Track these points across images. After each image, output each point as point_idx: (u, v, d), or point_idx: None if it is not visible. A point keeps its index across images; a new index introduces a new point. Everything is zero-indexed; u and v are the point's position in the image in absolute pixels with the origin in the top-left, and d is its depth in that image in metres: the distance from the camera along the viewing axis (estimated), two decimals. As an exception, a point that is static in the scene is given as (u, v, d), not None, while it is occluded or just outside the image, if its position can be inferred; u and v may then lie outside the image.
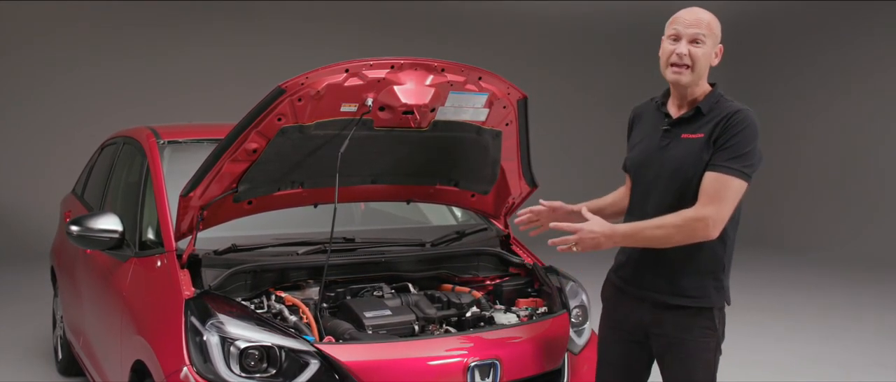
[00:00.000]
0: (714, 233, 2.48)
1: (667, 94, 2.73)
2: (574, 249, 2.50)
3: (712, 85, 2.67)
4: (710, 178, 2.48)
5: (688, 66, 2.56)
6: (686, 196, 2.54)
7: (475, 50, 11.41)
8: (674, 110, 2.67)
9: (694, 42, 2.57)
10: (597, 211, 2.75)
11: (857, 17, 10.79)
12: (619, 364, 2.80)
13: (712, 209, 2.45)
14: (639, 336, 2.71)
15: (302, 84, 2.80)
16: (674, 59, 2.56)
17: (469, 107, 3.10)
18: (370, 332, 2.91)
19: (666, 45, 2.61)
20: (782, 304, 7.44)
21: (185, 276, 3.00)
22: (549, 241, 2.55)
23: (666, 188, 2.59)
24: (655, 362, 2.75)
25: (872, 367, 5.45)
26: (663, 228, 2.48)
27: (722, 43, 2.67)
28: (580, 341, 3.26)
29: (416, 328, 2.99)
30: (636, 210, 2.68)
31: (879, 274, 8.79)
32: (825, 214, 10.91)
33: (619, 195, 2.96)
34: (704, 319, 2.61)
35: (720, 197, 2.46)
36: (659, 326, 2.64)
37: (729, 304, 2.66)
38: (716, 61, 2.63)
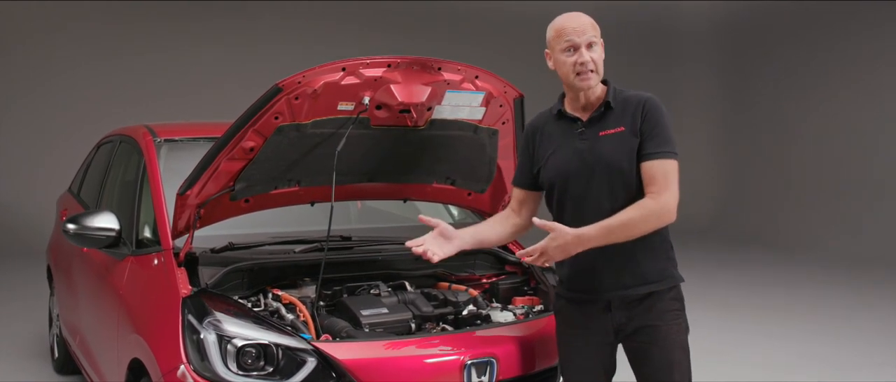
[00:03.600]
0: (675, 216, 2.57)
1: (561, 102, 2.73)
2: (546, 264, 2.57)
3: (605, 81, 2.69)
4: (654, 166, 2.55)
5: (592, 71, 2.60)
6: (625, 188, 2.58)
7: (472, 49, 11.42)
8: (579, 113, 2.68)
9: (589, 46, 2.60)
10: (481, 242, 2.85)
11: (852, 16, 10.81)
12: (590, 370, 2.75)
13: (668, 194, 2.54)
14: (608, 338, 2.69)
15: (299, 82, 2.81)
16: (579, 68, 2.58)
17: (466, 106, 3.11)
18: (367, 330, 2.91)
19: (564, 58, 2.61)
20: (777, 303, 7.45)
21: (181, 274, 3.00)
22: (517, 253, 2.60)
23: (604, 186, 2.60)
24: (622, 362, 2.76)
25: (869, 366, 5.46)
26: (630, 224, 2.52)
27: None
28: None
29: (413, 326, 3.00)
30: (568, 217, 2.64)
31: (875, 272, 8.80)
32: (820, 213, 10.93)
33: (501, 222, 2.89)
34: (672, 299, 2.66)
35: (668, 181, 2.55)
36: (632, 320, 2.65)
37: (683, 281, 2.72)
38: (604, 56, 2.66)
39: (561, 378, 2.89)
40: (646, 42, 12.88)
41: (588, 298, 2.69)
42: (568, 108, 2.71)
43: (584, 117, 2.66)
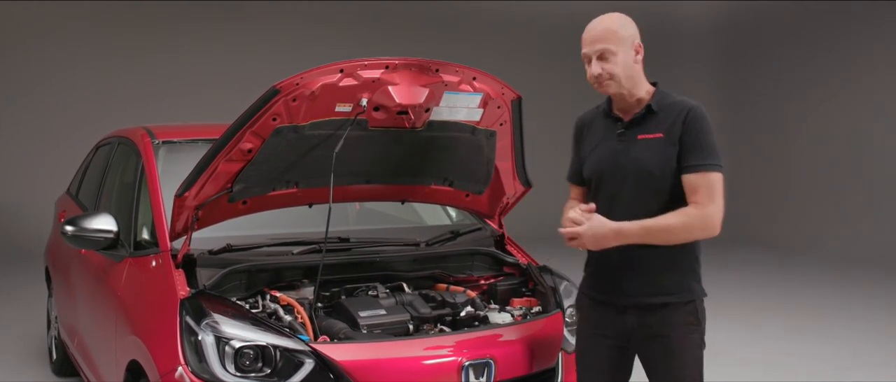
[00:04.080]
0: (718, 229, 2.53)
1: (610, 101, 2.73)
2: (573, 244, 2.54)
3: (654, 84, 2.67)
4: (696, 179, 2.52)
5: (609, 79, 2.58)
6: (655, 194, 2.57)
7: (470, 50, 11.41)
8: (622, 114, 2.68)
9: (602, 58, 2.57)
10: None
11: (852, 16, 10.82)
12: (601, 370, 2.76)
13: (713, 207, 2.50)
14: (622, 341, 2.70)
15: (297, 84, 2.81)
16: (593, 80, 2.60)
17: (463, 108, 3.11)
18: (365, 332, 2.91)
19: (587, 69, 2.62)
20: (775, 303, 7.45)
21: (180, 276, 3.00)
22: (560, 230, 2.58)
23: (634, 189, 2.60)
24: (639, 365, 2.75)
25: (866, 366, 5.47)
26: (670, 229, 2.51)
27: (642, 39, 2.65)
28: (574, 340, 3.27)
29: (411, 327, 3.00)
30: (602, 215, 2.61)
31: (872, 273, 8.81)
32: (818, 213, 10.94)
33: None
34: (688, 313, 2.62)
35: (712, 194, 2.51)
36: (645, 328, 2.64)
37: (706, 296, 2.69)
38: (637, 59, 2.61)
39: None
40: (645, 42, 12.83)
41: (605, 299, 2.70)
42: (614, 108, 2.70)
43: (626, 118, 2.65)
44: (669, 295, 2.61)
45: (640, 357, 2.72)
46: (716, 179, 2.52)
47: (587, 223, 2.53)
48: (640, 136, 2.61)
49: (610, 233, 2.51)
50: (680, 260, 2.61)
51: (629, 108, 2.65)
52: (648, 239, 2.52)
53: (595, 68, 2.57)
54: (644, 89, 2.64)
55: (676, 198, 2.56)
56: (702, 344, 2.67)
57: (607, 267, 2.67)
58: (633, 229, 2.51)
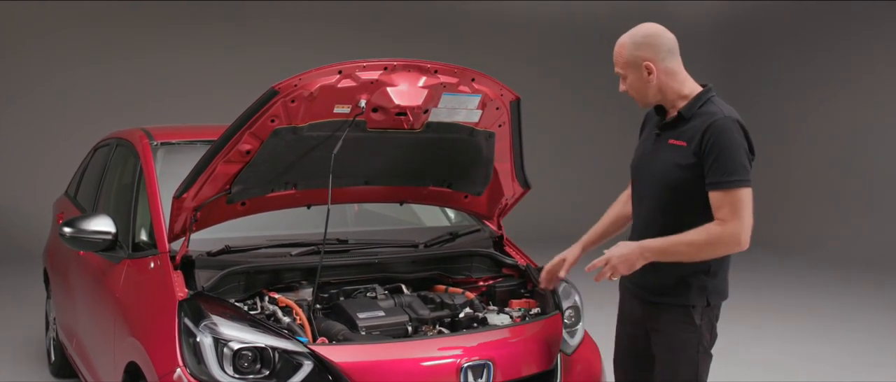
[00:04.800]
0: (746, 244, 2.57)
1: None
2: (611, 277, 2.62)
3: (704, 85, 2.72)
4: (719, 198, 2.55)
5: (632, 96, 2.73)
6: (673, 200, 2.65)
7: (469, 52, 11.42)
8: (666, 115, 2.77)
9: (622, 78, 2.73)
10: (596, 240, 3.01)
11: (851, 16, 10.82)
12: (626, 357, 2.94)
13: (735, 223, 2.53)
14: (640, 331, 2.84)
15: (295, 85, 2.81)
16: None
17: (462, 109, 3.11)
18: (363, 333, 2.91)
19: None
20: (777, 304, 7.46)
21: (178, 278, 3.00)
22: (587, 268, 2.67)
23: (654, 192, 2.71)
24: None
25: (868, 367, 5.47)
26: (693, 246, 2.56)
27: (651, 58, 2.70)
28: (573, 342, 3.27)
29: (410, 329, 3.00)
30: (634, 211, 2.79)
31: (874, 273, 8.81)
32: (818, 214, 10.94)
33: (618, 209, 3.05)
34: (685, 316, 2.68)
35: (735, 210, 2.53)
36: (649, 321, 2.78)
37: (710, 304, 2.70)
38: (651, 78, 2.67)
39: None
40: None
41: (626, 285, 2.89)
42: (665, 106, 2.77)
43: (667, 119, 2.73)
44: (666, 295, 2.71)
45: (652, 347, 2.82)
46: (740, 195, 2.54)
47: (610, 251, 2.61)
48: (670, 141, 2.68)
49: (636, 251, 2.59)
50: (687, 265, 2.65)
51: (671, 110, 2.73)
52: (673, 257, 2.59)
53: (621, 87, 2.74)
54: (686, 92, 2.69)
55: (697, 210, 2.59)
56: (701, 348, 2.70)
57: None
58: (657, 245, 2.59)
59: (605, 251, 2.64)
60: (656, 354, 2.76)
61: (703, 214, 2.57)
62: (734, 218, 2.52)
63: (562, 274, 3.01)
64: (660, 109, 2.77)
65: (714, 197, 2.55)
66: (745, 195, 2.55)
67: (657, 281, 2.70)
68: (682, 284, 2.67)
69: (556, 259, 3.02)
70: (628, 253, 2.59)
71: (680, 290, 2.67)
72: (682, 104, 2.68)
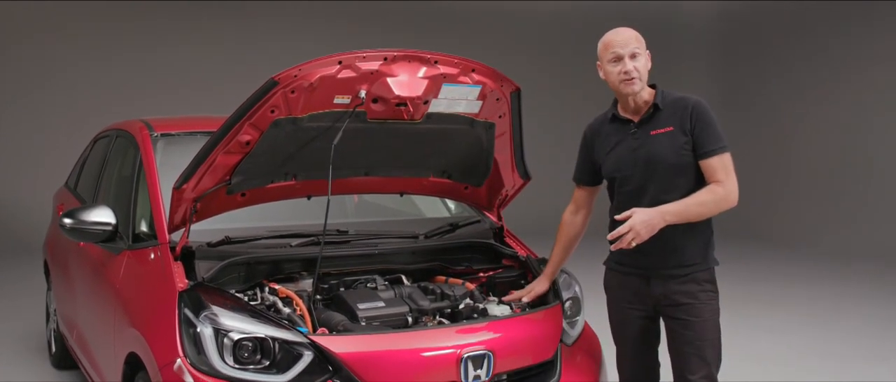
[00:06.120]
0: (737, 200, 2.88)
1: (615, 106, 3.03)
2: (631, 243, 2.76)
3: (652, 85, 2.98)
4: (713, 162, 2.86)
5: (636, 78, 2.89)
6: (676, 180, 2.90)
7: (468, 44, 11.40)
8: (631, 116, 2.99)
9: (633, 57, 2.89)
10: (558, 267, 3.26)
11: (849, 14, 10.81)
12: (636, 339, 3.07)
13: (731, 183, 2.86)
14: (650, 311, 3.00)
15: (295, 76, 2.81)
16: (623, 76, 2.88)
17: (462, 100, 3.10)
18: (363, 324, 2.91)
19: (610, 68, 2.92)
20: (774, 298, 7.46)
21: (178, 268, 3.00)
22: (609, 237, 2.82)
23: (658, 177, 2.90)
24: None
25: (865, 360, 5.48)
26: (704, 205, 2.84)
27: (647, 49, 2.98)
28: (573, 332, 3.27)
29: (410, 319, 3.00)
30: (627, 206, 2.87)
31: (870, 267, 8.82)
32: (816, 209, 10.94)
33: (566, 231, 3.26)
34: (708, 281, 2.95)
35: (729, 171, 2.87)
36: (668, 297, 2.94)
37: (718, 264, 3.03)
38: (649, 65, 2.95)
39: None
40: (644, 39, 12.84)
41: (631, 271, 3.01)
42: (621, 112, 3.01)
43: (636, 119, 2.97)
44: (693, 265, 2.93)
45: (665, 323, 3.01)
46: (728, 158, 2.88)
47: (632, 218, 2.76)
48: (652, 132, 2.93)
49: (657, 216, 2.78)
50: (700, 233, 2.93)
51: (637, 109, 2.96)
52: (687, 216, 2.83)
53: (628, 65, 2.86)
54: (648, 92, 2.96)
55: (694, 181, 2.89)
56: (718, 310, 2.99)
57: (633, 248, 2.84)
58: (674, 208, 2.81)
59: (623, 220, 2.78)
60: (680, 327, 2.92)
61: (698, 182, 2.89)
62: (728, 178, 2.86)
63: (526, 299, 3.22)
64: (614, 117, 3.02)
65: (710, 162, 2.86)
66: (730, 158, 2.89)
67: (678, 256, 2.91)
68: (701, 252, 2.94)
69: (526, 288, 3.26)
70: (649, 217, 2.76)
71: (700, 257, 2.94)
72: (646, 100, 2.94)
